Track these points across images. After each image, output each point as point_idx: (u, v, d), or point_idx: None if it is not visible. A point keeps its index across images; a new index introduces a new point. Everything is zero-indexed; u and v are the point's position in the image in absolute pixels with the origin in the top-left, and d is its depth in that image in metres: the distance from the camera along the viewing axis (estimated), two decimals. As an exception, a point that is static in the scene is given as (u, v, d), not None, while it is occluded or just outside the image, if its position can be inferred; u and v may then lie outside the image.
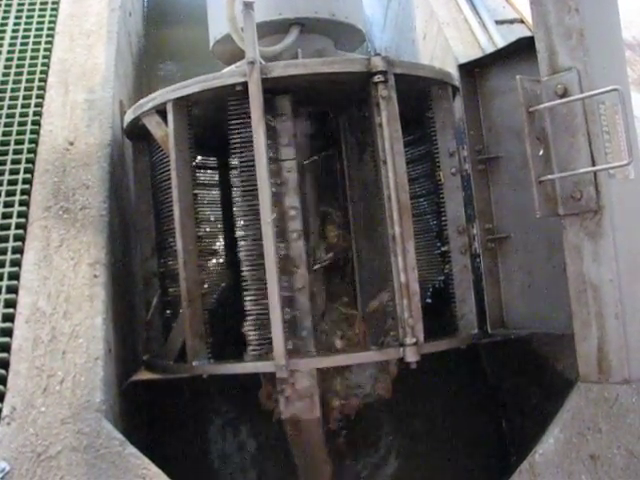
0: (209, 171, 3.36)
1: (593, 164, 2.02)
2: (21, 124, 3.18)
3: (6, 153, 3.06)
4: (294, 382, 2.65)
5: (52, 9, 3.87)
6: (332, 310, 2.89)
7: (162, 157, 2.88)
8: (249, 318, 2.61)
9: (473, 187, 2.80)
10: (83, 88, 3.39)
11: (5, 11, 3.82)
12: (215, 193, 3.31)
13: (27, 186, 2.93)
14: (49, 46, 3.62)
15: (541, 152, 2.10)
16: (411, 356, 2.51)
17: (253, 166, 2.57)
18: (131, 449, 2.28)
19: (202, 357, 2.64)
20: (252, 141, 2.55)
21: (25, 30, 3.71)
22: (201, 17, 3.70)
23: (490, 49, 3.61)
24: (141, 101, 2.89)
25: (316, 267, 2.88)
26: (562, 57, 2.08)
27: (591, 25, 2.04)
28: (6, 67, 3.46)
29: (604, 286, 2.02)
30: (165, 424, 3.20)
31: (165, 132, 2.77)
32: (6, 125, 3.17)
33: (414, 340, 2.50)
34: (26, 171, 2.98)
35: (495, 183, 2.80)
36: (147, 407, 3.24)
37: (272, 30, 3.09)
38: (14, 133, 3.14)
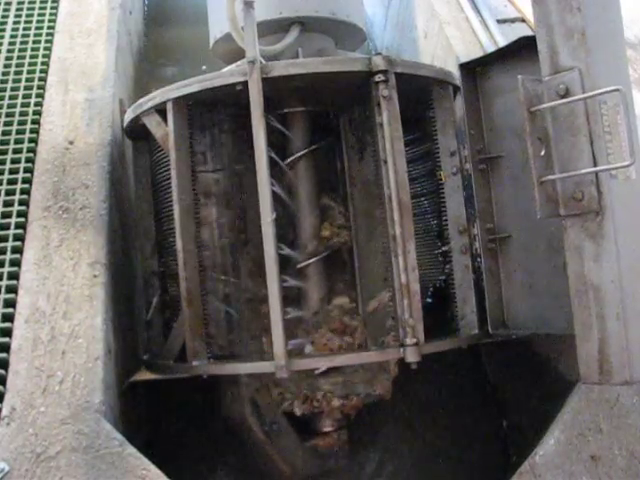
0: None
1: (595, 164, 2.01)
2: (21, 123, 3.17)
3: (6, 152, 3.05)
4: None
5: (52, 7, 3.86)
6: (327, 310, 2.89)
7: (162, 156, 2.88)
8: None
9: (474, 187, 2.79)
10: (83, 87, 3.38)
11: (5, 9, 3.81)
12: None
13: (27, 185, 2.92)
14: (49, 45, 3.61)
15: (542, 152, 2.09)
16: (411, 356, 2.50)
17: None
18: (131, 449, 2.27)
19: (202, 357, 2.64)
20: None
21: (25, 29, 3.70)
22: (201, 16, 3.69)
23: (491, 48, 3.60)
24: (141, 100, 2.88)
25: (300, 266, 2.88)
26: (564, 57, 2.07)
27: (593, 25, 2.03)
28: (6, 66, 3.45)
29: (605, 287, 2.01)
30: (165, 424, 3.20)
31: (165, 131, 2.77)
32: (6, 124, 3.16)
33: (414, 340, 2.50)
34: (26, 170, 2.98)
35: (496, 183, 2.80)
36: (147, 407, 3.23)
37: (272, 29, 3.08)
38: (14, 132, 3.13)
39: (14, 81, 3.37)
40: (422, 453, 3.23)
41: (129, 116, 2.98)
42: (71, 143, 3.09)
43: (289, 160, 2.93)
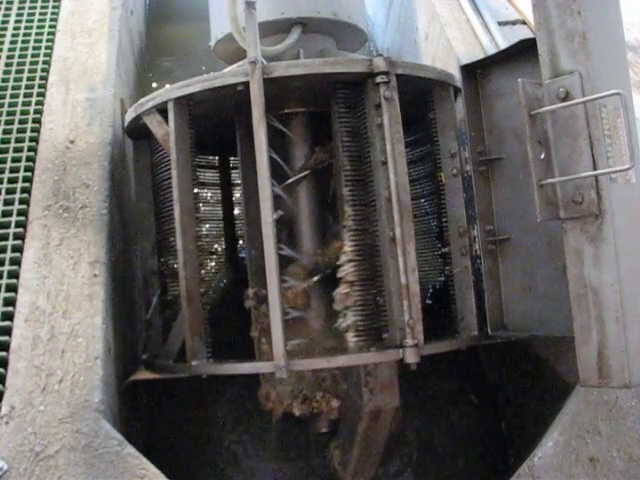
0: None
1: (594, 168, 2.01)
2: (22, 122, 3.17)
3: (6, 151, 3.05)
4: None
5: (53, 7, 3.87)
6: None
7: (163, 156, 2.88)
8: None
9: (474, 188, 2.79)
10: (84, 86, 3.38)
11: (6, 8, 3.82)
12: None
13: (27, 184, 2.93)
14: (50, 44, 3.62)
15: (542, 155, 2.09)
16: (411, 357, 2.50)
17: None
18: (129, 449, 2.27)
19: (201, 357, 2.64)
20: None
21: (26, 28, 3.71)
22: (203, 16, 3.70)
23: (492, 50, 3.60)
24: (142, 100, 2.88)
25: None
26: (564, 60, 2.07)
27: (593, 28, 2.03)
28: (7, 65, 3.46)
29: (605, 290, 2.01)
30: (164, 424, 3.20)
31: (166, 131, 2.77)
32: (7, 123, 3.16)
33: (414, 342, 2.50)
34: (26, 169, 2.98)
35: (496, 185, 2.79)
36: (146, 407, 3.24)
37: (274, 30, 3.08)
38: (15, 131, 3.13)
39: (15, 80, 3.38)
40: (420, 455, 3.23)
41: (130, 115, 2.99)
42: (72, 142, 3.10)
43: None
